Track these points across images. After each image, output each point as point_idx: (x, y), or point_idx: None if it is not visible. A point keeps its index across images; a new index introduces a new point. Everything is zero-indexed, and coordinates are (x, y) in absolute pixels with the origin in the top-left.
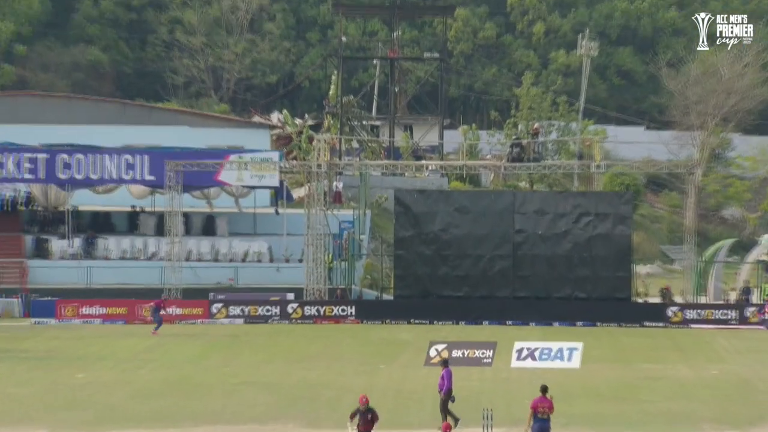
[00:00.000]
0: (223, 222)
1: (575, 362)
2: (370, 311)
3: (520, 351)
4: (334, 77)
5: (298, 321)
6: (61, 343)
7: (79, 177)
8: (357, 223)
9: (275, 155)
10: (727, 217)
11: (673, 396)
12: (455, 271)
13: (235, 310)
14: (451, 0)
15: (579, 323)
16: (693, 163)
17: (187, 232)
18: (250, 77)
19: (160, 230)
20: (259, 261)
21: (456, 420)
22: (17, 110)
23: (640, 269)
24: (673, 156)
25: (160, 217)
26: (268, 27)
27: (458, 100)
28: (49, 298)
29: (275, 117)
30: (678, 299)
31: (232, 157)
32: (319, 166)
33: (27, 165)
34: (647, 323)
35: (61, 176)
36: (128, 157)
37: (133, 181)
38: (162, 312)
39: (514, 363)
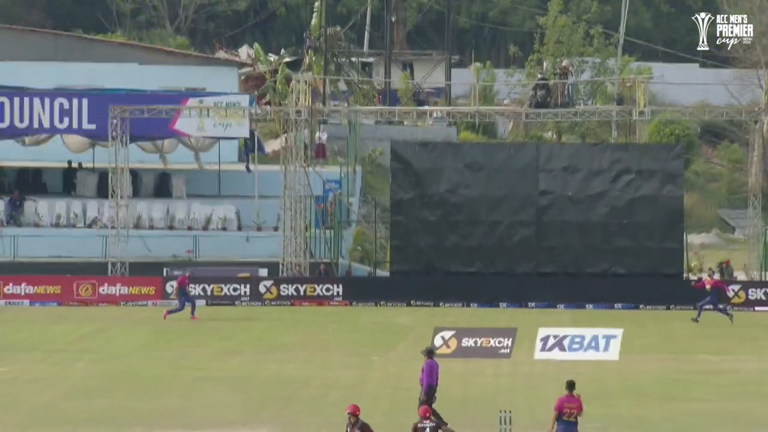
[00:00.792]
0: (181, 181)
1: (613, 353)
2: (361, 291)
3: (545, 339)
4: (316, 3)
5: (273, 303)
6: None
7: (2, 126)
8: (345, 182)
9: (244, 99)
10: None
11: (734, 394)
12: (465, 241)
13: (194, 289)
14: None
15: (618, 305)
16: (758, 108)
17: (136, 193)
18: (214, 3)
19: (102, 191)
20: (225, 229)
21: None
22: None
23: (694, 239)
24: (735, 100)
25: (103, 176)
26: None
27: (469, 33)
28: None
29: (244, 52)
30: (740, 276)
31: (191, 102)
32: (298, 112)
33: None
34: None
35: None
36: (63, 101)
37: (69, 130)
38: (190, 289)
39: (538, 354)
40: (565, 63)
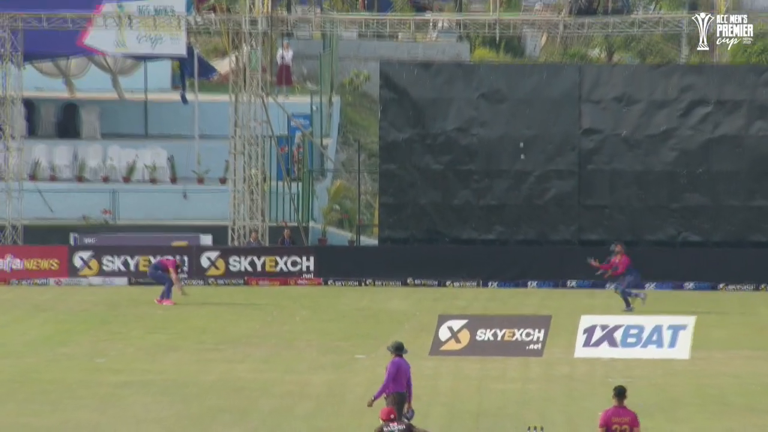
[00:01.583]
0: (93, 116)
1: (682, 350)
2: (339, 265)
3: (589, 331)
4: None
5: (219, 281)
6: None
7: None
8: (318, 118)
9: (180, 3)
10: None
11: None
12: (481, 198)
13: (113, 262)
14: None
15: (689, 284)
16: None
17: (32, 132)
18: None
19: None
20: (154, 181)
21: None
22: None
23: None
24: None
25: None
26: None
27: None
28: None
29: None
30: None
31: (107, 7)
32: (253, 22)
33: None
34: None
35: None
36: None
37: None
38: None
39: (580, 350)
40: None
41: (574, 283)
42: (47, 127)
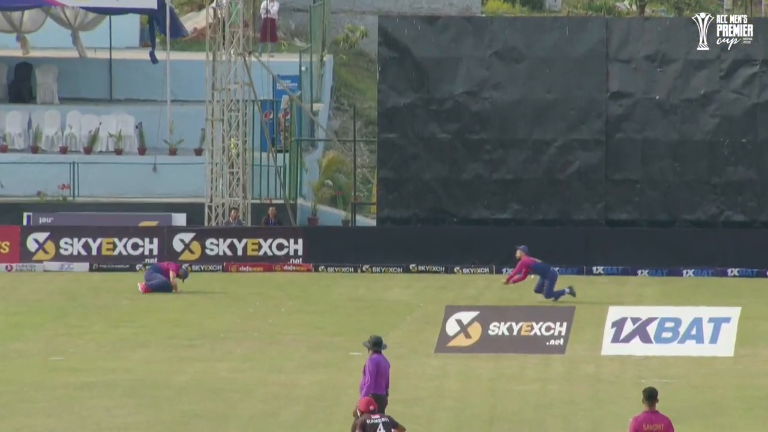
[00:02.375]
0: (50, 77)
1: (725, 345)
2: (331, 249)
3: (618, 324)
4: None
5: (195, 266)
6: None
7: None
8: (307, 80)
9: None
10: None
11: None
12: (494, 172)
13: (72, 245)
14: None
15: (732, 270)
16: None
17: None
18: None
19: None
20: (119, 152)
21: None
22: None
23: None
24: None
25: None
26: None
27: None
28: None
29: None
30: None
31: None
32: None
33: None
34: None
35: None
36: None
37: None
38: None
39: (608, 347)
40: None
41: (600, 269)
42: None
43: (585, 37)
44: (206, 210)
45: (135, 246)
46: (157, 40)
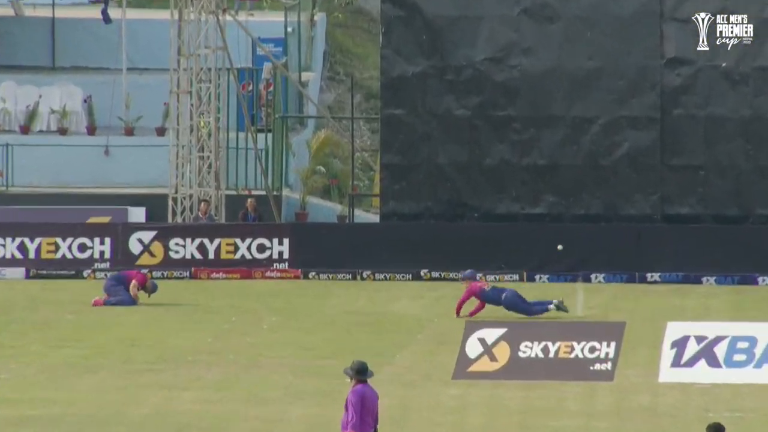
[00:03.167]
0: None
1: None
2: (324, 251)
3: (679, 344)
4: None
5: (156, 272)
6: None
7: None
8: (295, 44)
9: None
10: None
11: None
12: (525, 157)
13: (4, 246)
14: None
15: None
16: None
17: None
18: None
19: None
20: (63, 132)
21: None
22: None
23: None
24: None
25: None
26: None
27: None
28: None
29: None
30: None
31: None
32: None
33: None
34: None
35: None
36: None
37: None
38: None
39: (667, 372)
40: None
41: (656, 275)
42: None
43: None
44: (170, 203)
45: (82, 247)
46: None
